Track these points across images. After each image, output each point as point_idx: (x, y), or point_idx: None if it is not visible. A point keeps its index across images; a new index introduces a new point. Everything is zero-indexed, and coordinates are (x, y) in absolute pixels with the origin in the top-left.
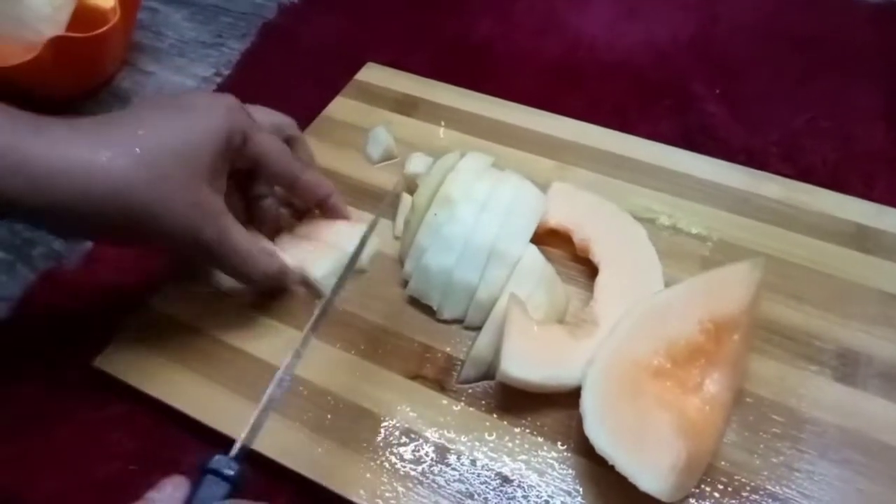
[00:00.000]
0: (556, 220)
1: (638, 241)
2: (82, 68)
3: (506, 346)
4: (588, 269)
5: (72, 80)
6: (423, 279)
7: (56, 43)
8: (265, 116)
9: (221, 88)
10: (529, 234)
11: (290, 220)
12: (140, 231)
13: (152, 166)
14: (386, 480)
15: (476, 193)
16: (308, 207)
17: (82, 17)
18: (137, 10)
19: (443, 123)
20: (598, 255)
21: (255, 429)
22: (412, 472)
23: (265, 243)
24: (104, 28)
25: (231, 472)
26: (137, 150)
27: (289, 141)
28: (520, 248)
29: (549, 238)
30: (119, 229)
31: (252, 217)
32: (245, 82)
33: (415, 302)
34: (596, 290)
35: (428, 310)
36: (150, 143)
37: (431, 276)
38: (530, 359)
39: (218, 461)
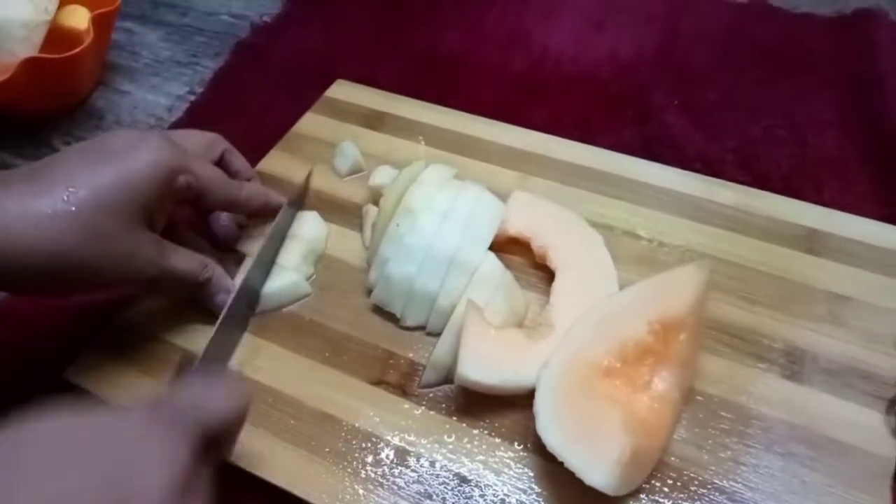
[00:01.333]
0: (515, 228)
1: (594, 248)
2: (56, 88)
3: (463, 349)
4: (547, 276)
5: (46, 100)
6: (386, 287)
7: (30, 64)
8: (195, 139)
9: (195, 106)
10: (488, 243)
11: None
12: (79, 284)
13: (86, 225)
14: (348, 484)
15: (437, 204)
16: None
17: (56, 38)
18: (111, 31)
19: (408, 137)
20: (555, 261)
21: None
22: (372, 475)
23: (198, 256)
24: (78, 49)
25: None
26: (72, 208)
27: (221, 156)
28: (479, 255)
29: (509, 246)
30: (57, 283)
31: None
32: (218, 100)
33: (379, 310)
34: (552, 294)
35: (392, 317)
36: (83, 201)
37: (394, 285)
38: (487, 362)
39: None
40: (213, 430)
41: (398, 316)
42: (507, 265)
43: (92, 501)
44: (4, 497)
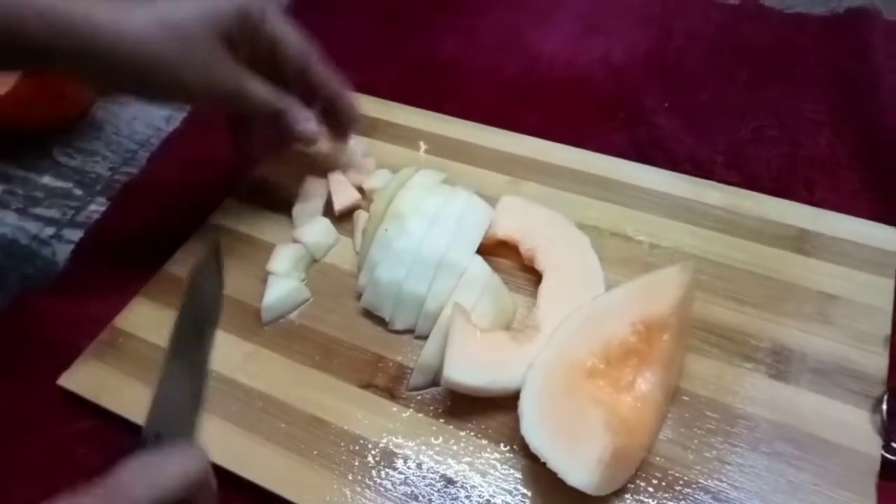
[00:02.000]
0: (504, 231)
1: (581, 250)
2: (57, 101)
3: (449, 352)
4: (535, 278)
5: (47, 113)
6: (375, 292)
7: (30, 78)
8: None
9: (193, 115)
10: (475, 247)
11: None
12: (161, 84)
13: (170, 27)
14: (336, 486)
15: (426, 208)
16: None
17: None
18: None
19: (402, 143)
20: (543, 263)
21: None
22: (360, 477)
23: (273, 87)
24: None
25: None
26: (160, 13)
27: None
28: (466, 259)
29: (498, 249)
30: (145, 82)
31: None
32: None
33: (368, 314)
34: (539, 296)
35: (381, 321)
36: (172, 9)
37: (383, 289)
38: (472, 364)
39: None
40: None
41: (387, 320)
42: (496, 268)
43: None
44: None
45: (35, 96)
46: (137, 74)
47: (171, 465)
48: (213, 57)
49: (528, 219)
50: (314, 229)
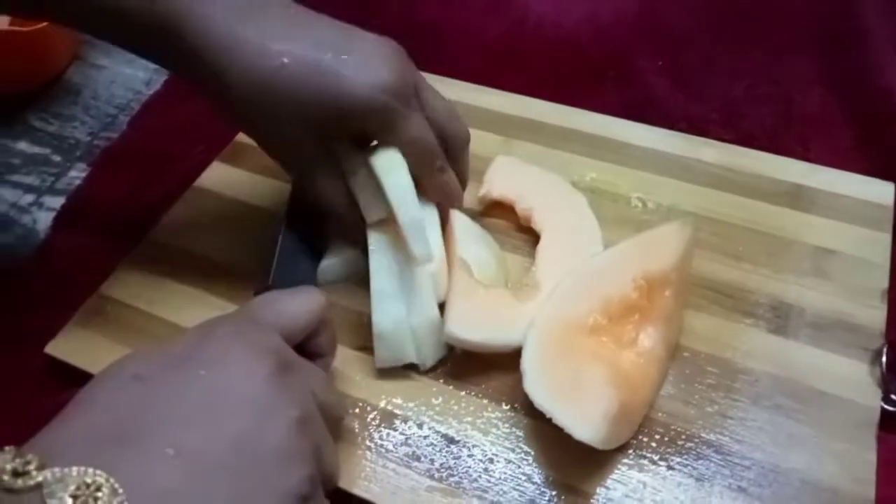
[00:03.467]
0: (499, 191)
1: (578, 209)
2: (28, 63)
3: (451, 307)
4: (532, 239)
5: (18, 75)
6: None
7: None
8: (441, 104)
9: (173, 78)
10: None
11: None
12: (260, 134)
13: (278, 88)
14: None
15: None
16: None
17: None
18: None
19: None
20: (540, 223)
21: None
22: (359, 439)
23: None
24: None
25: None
26: (277, 74)
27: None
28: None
29: (493, 210)
30: (248, 125)
31: None
32: None
33: (362, 279)
34: (537, 255)
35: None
36: (289, 77)
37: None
38: (475, 320)
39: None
40: (295, 335)
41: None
42: (492, 229)
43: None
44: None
45: (5, 57)
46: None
47: (296, 299)
48: (297, 143)
49: (522, 178)
50: None
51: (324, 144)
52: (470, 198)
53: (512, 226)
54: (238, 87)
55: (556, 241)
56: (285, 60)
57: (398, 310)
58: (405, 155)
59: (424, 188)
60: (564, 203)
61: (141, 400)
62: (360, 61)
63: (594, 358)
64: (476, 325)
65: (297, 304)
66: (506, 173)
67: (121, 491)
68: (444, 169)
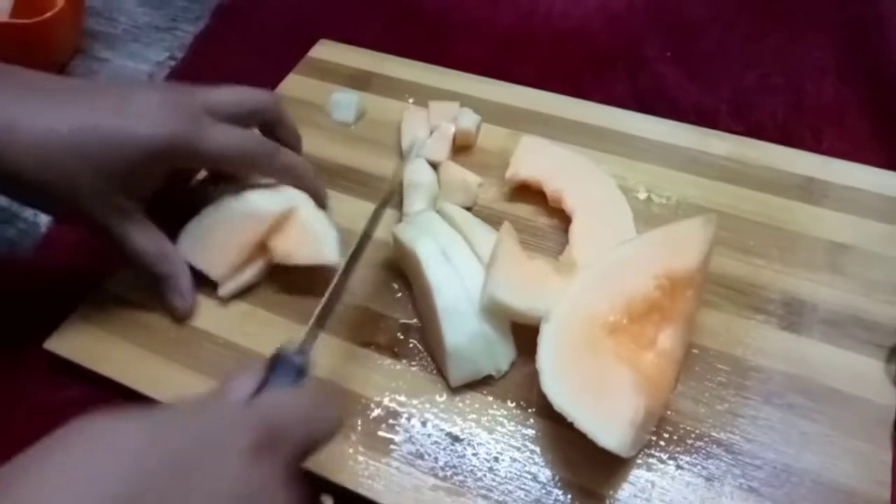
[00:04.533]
0: (527, 172)
1: (608, 189)
2: (30, 56)
3: (496, 269)
4: (561, 224)
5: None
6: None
7: (0, 30)
8: (231, 97)
9: (174, 72)
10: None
11: None
12: (54, 205)
13: (70, 155)
14: (337, 446)
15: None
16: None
17: (27, 3)
18: None
19: (396, 96)
20: (571, 203)
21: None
22: (362, 436)
23: (163, 245)
24: (50, 13)
25: (299, 360)
26: (66, 136)
27: (267, 123)
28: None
29: (518, 195)
30: (40, 198)
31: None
32: (199, 64)
33: (370, 273)
34: (571, 236)
35: (383, 280)
36: (76, 137)
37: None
38: (517, 286)
39: (285, 349)
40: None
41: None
42: (518, 214)
43: None
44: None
45: (6, 50)
46: (31, 190)
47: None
48: (96, 198)
49: (551, 159)
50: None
51: (135, 198)
52: (491, 190)
53: (540, 210)
54: (25, 168)
55: (589, 221)
56: (65, 131)
57: (470, 323)
58: (227, 169)
59: (275, 178)
60: (594, 184)
61: None
62: (136, 113)
63: (617, 360)
64: (518, 292)
65: (326, 420)
66: (532, 153)
67: None
68: (274, 154)
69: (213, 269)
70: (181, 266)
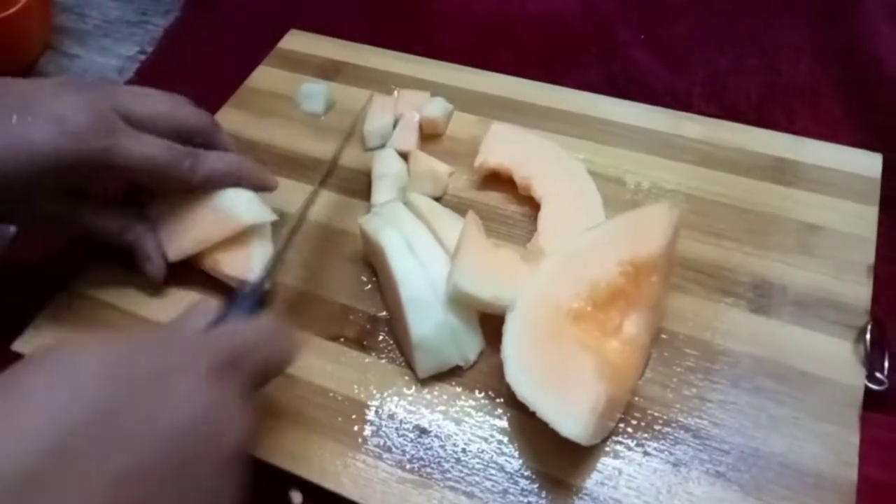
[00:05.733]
0: (496, 160)
1: (577, 176)
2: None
3: (460, 258)
4: (527, 210)
5: None
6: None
7: None
8: (149, 103)
9: (145, 66)
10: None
11: None
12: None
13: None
14: (303, 439)
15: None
16: None
17: None
18: None
19: (367, 86)
20: (540, 191)
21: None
22: (329, 431)
23: (123, 216)
24: (16, 7)
25: (257, 293)
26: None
27: (200, 145)
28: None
29: (488, 184)
30: None
31: None
32: (170, 59)
33: (337, 266)
34: (539, 223)
35: (349, 272)
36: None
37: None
38: (482, 275)
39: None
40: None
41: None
42: (488, 203)
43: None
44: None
45: None
46: None
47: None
48: (34, 195)
49: (520, 146)
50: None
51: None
52: (462, 178)
53: (510, 197)
54: None
55: (558, 208)
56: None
57: (436, 313)
58: (143, 182)
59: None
60: (563, 170)
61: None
62: (45, 118)
63: (579, 348)
64: (483, 282)
65: (281, 351)
66: (502, 141)
67: None
68: (195, 167)
69: (169, 250)
70: (145, 233)
